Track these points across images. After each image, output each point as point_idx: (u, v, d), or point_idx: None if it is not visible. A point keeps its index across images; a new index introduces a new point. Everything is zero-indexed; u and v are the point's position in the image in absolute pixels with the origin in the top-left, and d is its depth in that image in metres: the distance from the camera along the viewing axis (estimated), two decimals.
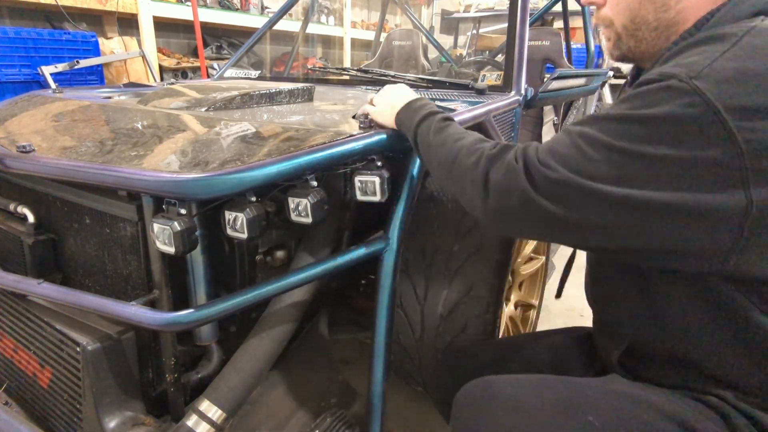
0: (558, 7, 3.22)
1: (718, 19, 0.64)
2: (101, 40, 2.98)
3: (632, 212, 0.57)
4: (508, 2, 1.66)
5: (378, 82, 1.82)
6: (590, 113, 0.70)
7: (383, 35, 3.62)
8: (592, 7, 0.77)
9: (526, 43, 1.58)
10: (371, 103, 1.02)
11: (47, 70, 2.57)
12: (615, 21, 0.75)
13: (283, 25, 2.71)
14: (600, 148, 0.59)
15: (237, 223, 0.84)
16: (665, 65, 0.61)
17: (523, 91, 1.52)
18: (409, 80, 1.72)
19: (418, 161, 1.01)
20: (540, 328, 1.61)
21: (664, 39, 0.71)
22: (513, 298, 1.50)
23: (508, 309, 1.46)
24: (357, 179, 0.95)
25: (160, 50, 3.49)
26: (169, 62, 3.54)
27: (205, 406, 0.85)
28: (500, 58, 3.58)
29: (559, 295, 1.50)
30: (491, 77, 1.97)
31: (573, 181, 0.59)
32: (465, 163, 0.71)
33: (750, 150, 0.52)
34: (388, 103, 0.96)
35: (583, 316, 2.13)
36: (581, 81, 1.98)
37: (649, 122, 0.56)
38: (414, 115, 0.88)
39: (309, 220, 0.88)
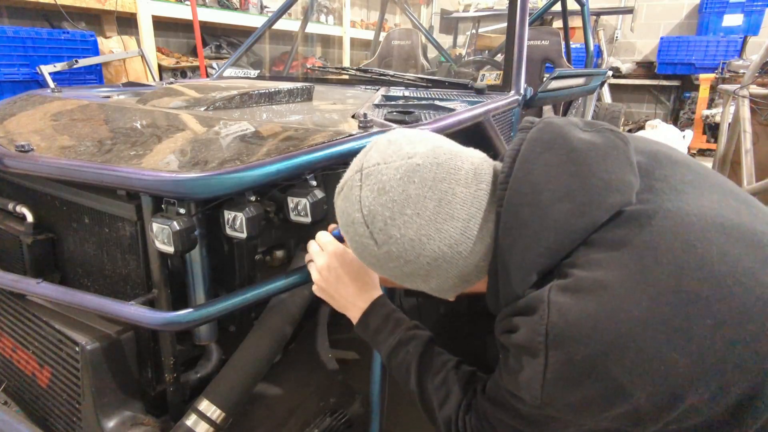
0: (557, 7, 3.22)
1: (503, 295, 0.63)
2: (100, 40, 2.98)
3: None
4: (508, 2, 1.66)
5: (377, 82, 1.82)
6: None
7: (382, 35, 3.62)
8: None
9: (526, 42, 1.58)
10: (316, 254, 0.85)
11: (46, 70, 2.56)
12: None
13: (282, 24, 2.71)
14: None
15: (236, 223, 0.84)
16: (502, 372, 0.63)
17: (522, 91, 1.52)
18: (408, 80, 1.72)
19: None
20: None
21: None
22: None
23: None
24: None
25: (159, 49, 3.49)
26: (168, 61, 3.54)
27: (205, 405, 0.85)
28: (499, 57, 3.58)
29: None
30: (490, 77, 1.96)
31: None
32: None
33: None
34: (338, 292, 0.84)
35: None
36: (580, 81, 1.97)
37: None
38: (378, 343, 0.81)
39: (308, 219, 0.88)
